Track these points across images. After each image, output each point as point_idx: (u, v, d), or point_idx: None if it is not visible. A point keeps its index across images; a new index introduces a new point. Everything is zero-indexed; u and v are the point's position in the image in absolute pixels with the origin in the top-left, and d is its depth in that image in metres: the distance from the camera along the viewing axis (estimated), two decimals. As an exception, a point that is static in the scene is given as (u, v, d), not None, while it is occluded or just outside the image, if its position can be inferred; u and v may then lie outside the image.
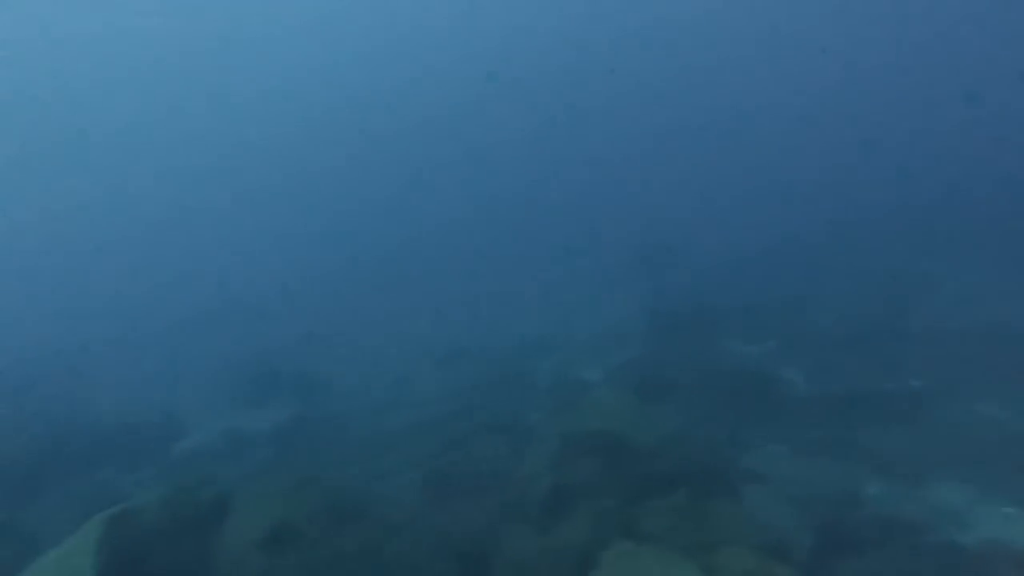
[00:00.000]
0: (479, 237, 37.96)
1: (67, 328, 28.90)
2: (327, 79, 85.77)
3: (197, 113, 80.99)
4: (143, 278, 39.92)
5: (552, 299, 24.15)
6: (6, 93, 73.02)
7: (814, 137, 47.23)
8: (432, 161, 62.55)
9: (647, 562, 5.84)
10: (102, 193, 67.76)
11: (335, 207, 56.49)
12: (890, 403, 10.78)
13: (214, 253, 45.51)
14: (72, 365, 22.17)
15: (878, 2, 60.35)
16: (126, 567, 5.80)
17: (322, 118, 78.35)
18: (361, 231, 46.75)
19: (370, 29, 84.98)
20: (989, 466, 8.51)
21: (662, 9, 69.15)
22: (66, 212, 63.24)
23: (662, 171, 47.29)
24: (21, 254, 52.07)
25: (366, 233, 45.54)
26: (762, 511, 8.11)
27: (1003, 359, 11.15)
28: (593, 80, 65.05)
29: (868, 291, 16.62)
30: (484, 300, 25.88)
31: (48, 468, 11.78)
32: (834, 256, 20.84)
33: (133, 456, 13.37)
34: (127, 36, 77.15)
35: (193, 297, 32.63)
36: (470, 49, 78.21)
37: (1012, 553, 6.49)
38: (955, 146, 34.62)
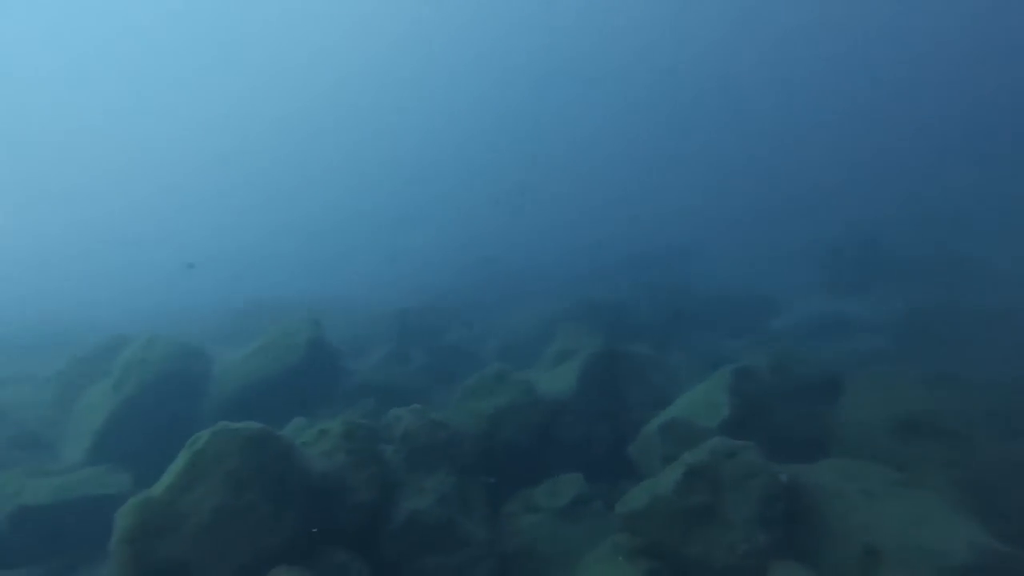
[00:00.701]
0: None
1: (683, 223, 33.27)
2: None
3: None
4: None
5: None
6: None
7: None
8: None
9: None
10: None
11: None
12: None
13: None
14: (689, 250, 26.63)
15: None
16: (752, 413, 6.56)
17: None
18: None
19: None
20: None
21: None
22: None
23: None
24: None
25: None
26: None
27: None
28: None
29: None
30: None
31: (672, 327, 14.34)
32: None
33: (736, 326, 14.76)
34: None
35: (784, 189, 34.70)
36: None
37: None
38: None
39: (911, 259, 16.76)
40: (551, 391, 7.84)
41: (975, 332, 10.57)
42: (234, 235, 47.17)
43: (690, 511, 4.92)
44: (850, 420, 6.61)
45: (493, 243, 32.59)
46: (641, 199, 43.96)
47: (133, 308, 23.51)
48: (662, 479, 5.40)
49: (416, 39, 79.78)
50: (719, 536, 4.67)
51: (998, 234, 16.92)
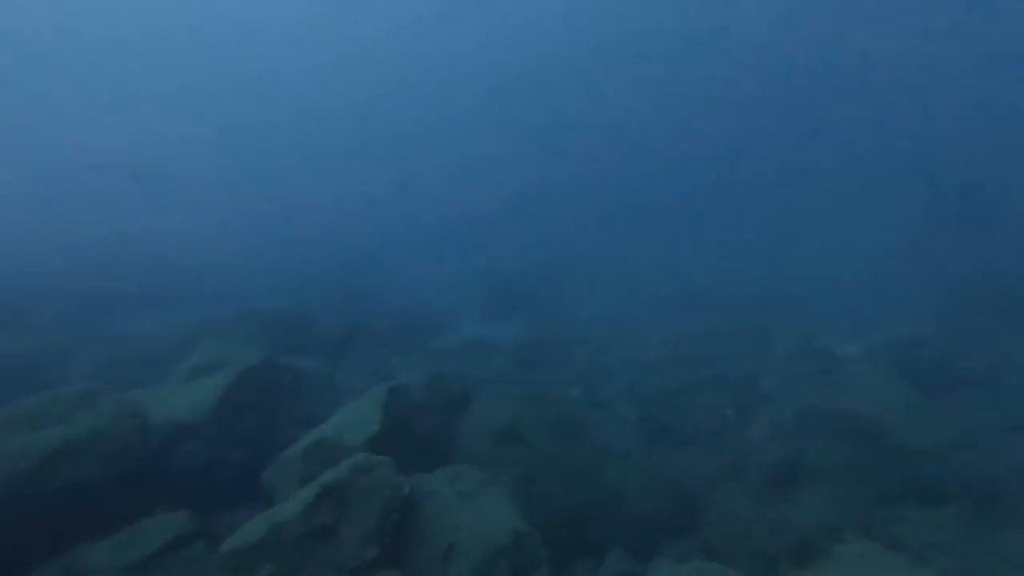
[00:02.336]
0: (741, 190, 36.56)
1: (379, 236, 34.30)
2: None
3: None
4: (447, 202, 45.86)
5: (816, 253, 21.90)
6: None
7: None
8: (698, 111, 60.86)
9: (893, 571, 5.31)
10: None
11: (601, 152, 57.83)
12: None
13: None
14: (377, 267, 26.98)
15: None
16: (397, 427, 7.04)
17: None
18: (628, 179, 47.64)
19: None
20: None
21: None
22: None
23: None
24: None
25: (632, 180, 46.61)
26: None
27: None
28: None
29: None
30: (734, 253, 24.83)
31: (354, 342, 14.62)
32: None
33: (403, 344, 15.59)
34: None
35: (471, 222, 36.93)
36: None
37: None
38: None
39: (541, 294, 21.32)
40: (173, 413, 6.64)
41: (563, 356, 14.40)
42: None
43: (312, 534, 4.85)
44: (468, 430, 7.94)
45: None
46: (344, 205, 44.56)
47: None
48: (288, 505, 5.18)
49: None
50: (332, 556, 4.70)
51: (589, 282, 23.19)
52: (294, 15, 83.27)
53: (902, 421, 8.41)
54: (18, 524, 4.91)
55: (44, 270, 19.07)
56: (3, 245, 24.31)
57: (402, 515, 5.07)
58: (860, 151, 33.60)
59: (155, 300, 17.21)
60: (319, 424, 7.46)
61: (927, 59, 48.08)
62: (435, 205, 46.42)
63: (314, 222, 39.31)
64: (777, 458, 8.35)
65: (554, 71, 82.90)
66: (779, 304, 17.30)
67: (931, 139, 32.56)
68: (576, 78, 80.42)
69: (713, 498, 8.31)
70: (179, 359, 9.46)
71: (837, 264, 19.95)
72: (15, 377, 9.62)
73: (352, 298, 20.26)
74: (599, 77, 78.55)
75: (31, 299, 14.87)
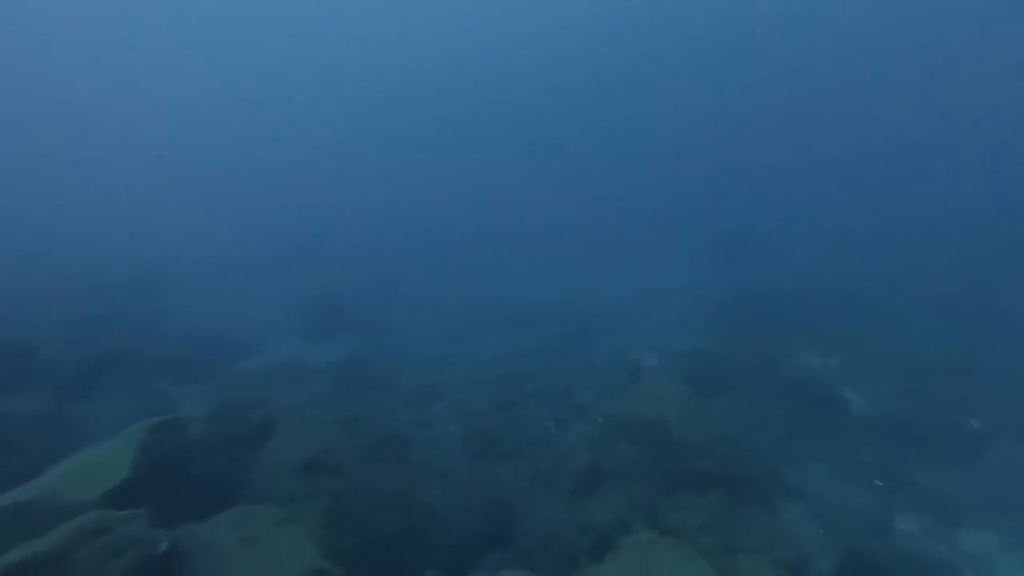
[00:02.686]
0: (566, 212, 37.87)
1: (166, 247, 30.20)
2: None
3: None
4: (243, 210, 42.95)
5: (625, 279, 23.70)
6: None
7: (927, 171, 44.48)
8: (529, 136, 63.38)
9: (666, 555, 5.96)
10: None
11: (439, 172, 56.94)
12: (942, 439, 10.41)
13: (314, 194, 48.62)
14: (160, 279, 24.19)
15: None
16: (162, 471, 6.06)
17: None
18: (457, 196, 47.16)
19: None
20: (1021, 518, 8.49)
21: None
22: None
23: (759, 166, 47.69)
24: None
25: (461, 198, 46.02)
26: (792, 526, 8.23)
27: None
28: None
29: (943, 323, 16.12)
30: (559, 272, 25.79)
31: (109, 370, 12.47)
32: (914, 284, 19.64)
33: (193, 371, 13.95)
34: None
35: (285, 234, 34.55)
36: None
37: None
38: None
39: (369, 312, 20.48)
40: None
41: (392, 375, 14.14)
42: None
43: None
44: (269, 463, 7.20)
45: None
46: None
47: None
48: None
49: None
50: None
51: (421, 300, 23.06)
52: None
53: (682, 422, 9.72)
54: None
55: None
56: None
57: (165, 573, 4.33)
58: (658, 199, 39.84)
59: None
60: (25, 482, 5.86)
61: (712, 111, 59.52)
62: (252, 218, 42.05)
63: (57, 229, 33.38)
64: (584, 463, 9.10)
65: (392, 87, 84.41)
66: (600, 321, 19.15)
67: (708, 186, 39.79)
68: (413, 96, 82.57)
69: (529, 507, 8.74)
70: None
71: (642, 286, 22.55)
72: None
73: (110, 321, 17.31)
74: (434, 97, 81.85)
75: None
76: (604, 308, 20.20)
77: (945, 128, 49.13)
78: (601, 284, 23.53)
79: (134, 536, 4.29)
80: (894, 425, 10.95)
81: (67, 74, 75.63)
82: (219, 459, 7.05)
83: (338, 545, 5.63)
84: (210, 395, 11.50)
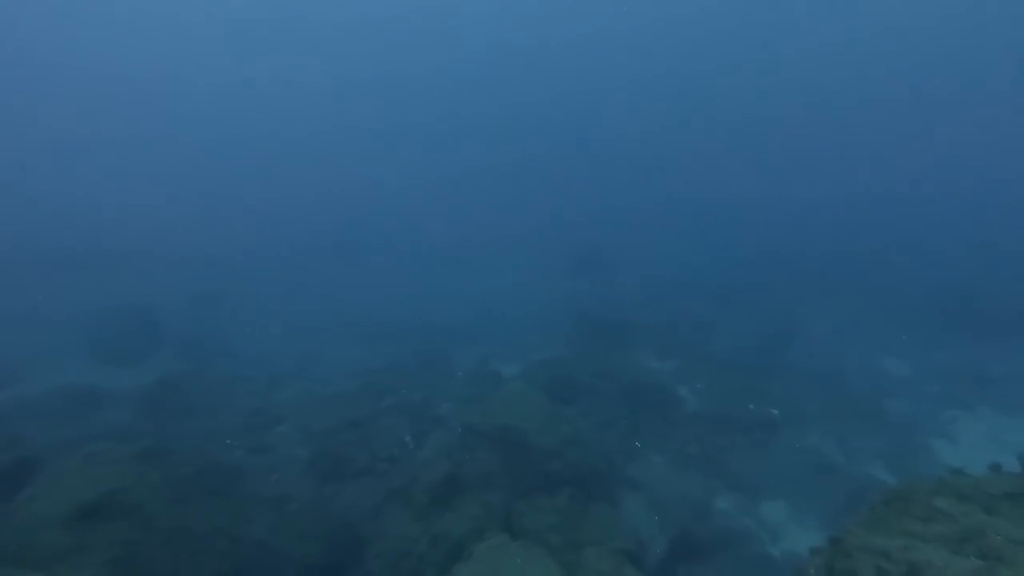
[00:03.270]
0: (422, 224, 36.91)
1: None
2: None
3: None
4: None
5: (485, 292, 23.52)
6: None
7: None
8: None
9: (513, 557, 6.12)
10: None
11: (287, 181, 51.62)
12: (751, 427, 12.23)
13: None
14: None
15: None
16: None
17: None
18: (310, 208, 42.82)
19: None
20: (805, 491, 10.15)
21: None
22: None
23: (604, 186, 49.00)
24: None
25: (313, 210, 42.09)
26: (631, 516, 8.95)
27: (835, 398, 13.45)
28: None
29: (757, 325, 18.56)
30: (419, 284, 25.27)
31: None
32: (739, 290, 22.31)
33: None
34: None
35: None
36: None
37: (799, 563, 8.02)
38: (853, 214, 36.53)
39: (194, 328, 18.12)
40: None
41: (221, 398, 12.50)
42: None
43: None
44: (25, 516, 5.63)
45: None
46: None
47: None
48: None
49: None
50: None
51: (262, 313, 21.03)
52: None
53: (538, 427, 10.00)
54: None
55: None
56: None
57: None
58: (515, 215, 41.69)
59: None
60: None
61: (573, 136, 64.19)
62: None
63: None
64: (441, 475, 8.85)
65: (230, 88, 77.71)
66: (461, 334, 19.16)
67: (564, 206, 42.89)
68: (245, 107, 76.65)
69: (380, 526, 8.24)
70: None
71: (504, 299, 23.11)
72: None
73: None
74: (267, 105, 77.14)
75: None
76: (466, 321, 20.25)
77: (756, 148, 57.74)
78: (462, 297, 23.62)
79: None
80: (715, 417, 12.46)
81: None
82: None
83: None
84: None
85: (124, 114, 67.04)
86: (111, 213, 36.87)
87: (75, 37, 75.96)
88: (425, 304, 22.41)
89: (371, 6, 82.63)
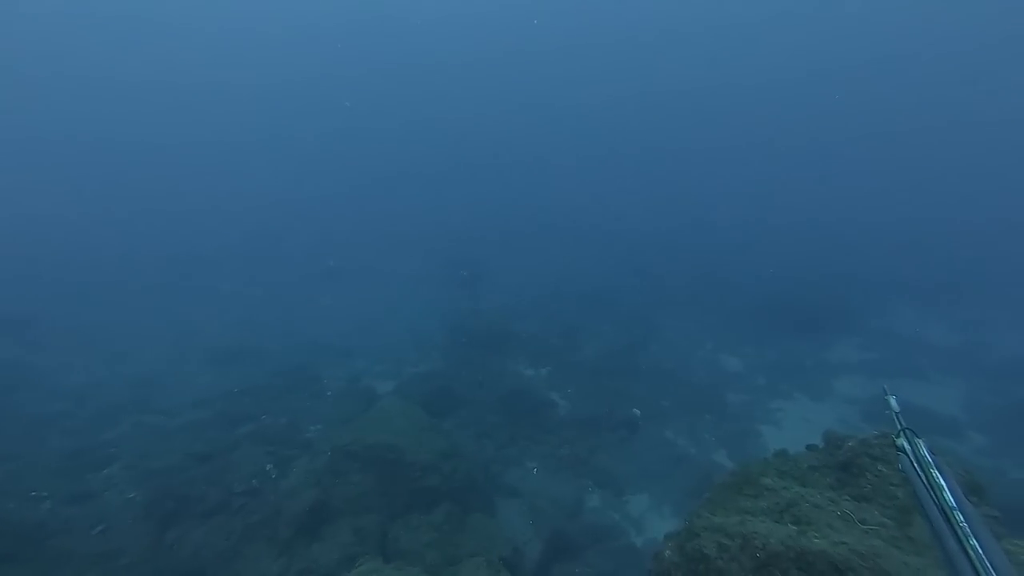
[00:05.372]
0: (286, 236, 34.06)
1: None
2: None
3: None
4: None
5: (358, 307, 22.44)
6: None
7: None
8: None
9: None
10: None
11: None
12: (616, 427, 12.98)
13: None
14: None
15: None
16: None
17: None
18: (153, 222, 37.36)
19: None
20: (663, 482, 11.02)
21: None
22: None
23: (480, 199, 47.88)
24: None
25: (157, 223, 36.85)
26: (509, 524, 8.98)
27: (686, 395, 14.64)
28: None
29: (621, 331, 19.53)
30: (284, 299, 23.04)
31: None
32: (605, 300, 23.37)
33: None
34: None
35: None
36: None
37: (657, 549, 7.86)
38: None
39: None
40: None
41: (26, 442, 10.38)
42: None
43: None
44: None
45: None
46: None
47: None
48: None
49: None
50: None
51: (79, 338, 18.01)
52: None
53: (414, 443, 9.71)
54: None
55: None
56: None
57: None
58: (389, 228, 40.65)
59: None
60: None
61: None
62: None
63: None
64: (307, 504, 8.20)
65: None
66: (334, 349, 18.06)
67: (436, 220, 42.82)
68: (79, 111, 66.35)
69: (237, 568, 7.37)
70: None
71: (379, 313, 22.28)
72: None
73: None
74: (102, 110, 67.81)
75: None
76: (337, 336, 19.13)
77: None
78: (333, 312, 22.34)
79: None
80: (585, 420, 13.10)
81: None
82: None
83: None
84: None
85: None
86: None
87: None
88: (291, 320, 20.75)
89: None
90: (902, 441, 2.72)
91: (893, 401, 3.60)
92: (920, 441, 2.80)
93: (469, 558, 6.77)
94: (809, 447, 5.36)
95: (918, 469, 2.20)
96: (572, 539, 8.75)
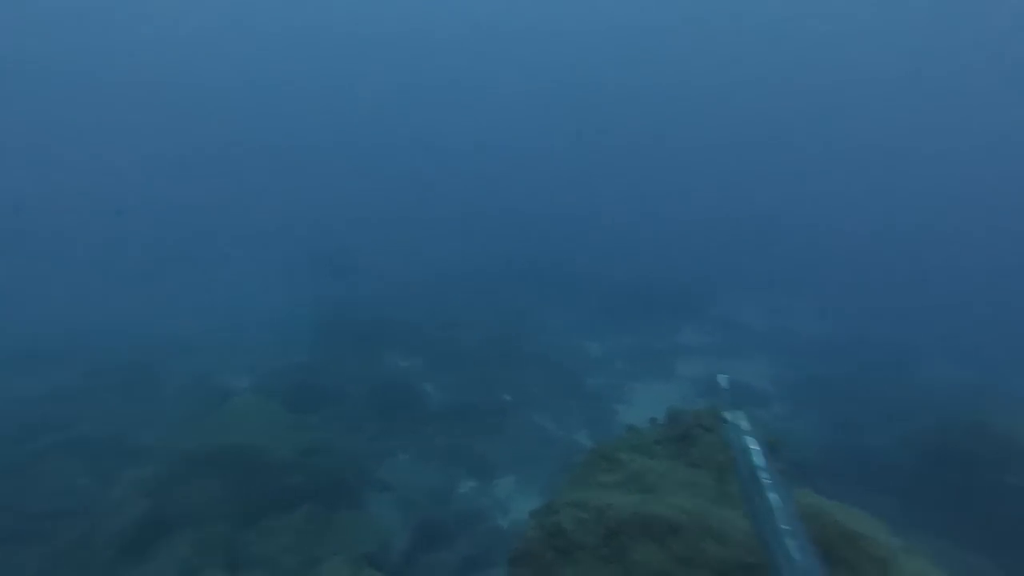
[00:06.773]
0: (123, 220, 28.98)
1: None
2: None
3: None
4: None
5: (210, 297, 20.46)
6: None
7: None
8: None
9: None
10: None
11: None
12: (488, 414, 13.15)
13: None
14: None
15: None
16: None
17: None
18: None
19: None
20: (530, 465, 11.22)
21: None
22: None
23: (354, 188, 44.99)
24: None
25: None
26: (378, 518, 8.69)
27: (552, 380, 15.14)
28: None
29: (497, 321, 19.35)
30: (118, 290, 20.85)
31: None
32: (480, 290, 23.27)
33: None
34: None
35: None
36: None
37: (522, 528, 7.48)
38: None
39: None
40: None
41: None
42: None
43: None
44: None
45: None
46: None
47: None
48: None
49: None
50: None
51: None
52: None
53: (272, 442, 8.99)
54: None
55: None
56: None
57: None
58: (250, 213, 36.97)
59: None
60: None
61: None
62: None
63: None
64: (135, 518, 7.18)
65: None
66: (177, 345, 15.96)
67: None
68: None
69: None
70: None
71: (232, 306, 20.42)
72: None
73: None
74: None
75: None
76: (182, 331, 16.96)
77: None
78: (178, 304, 19.81)
79: None
80: (459, 408, 13.23)
81: None
82: None
83: None
84: None
85: None
86: None
87: None
88: (125, 313, 17.95)
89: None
90: (726, 414, 3.14)
91: (723, 379, 4.12)
92: (740, 412, 3.27)
93: (333, 556, 6.44)
94: (651, 421, 5.97)
95: (735, 437, 2.56)
96: (442, 527, 8.78)
